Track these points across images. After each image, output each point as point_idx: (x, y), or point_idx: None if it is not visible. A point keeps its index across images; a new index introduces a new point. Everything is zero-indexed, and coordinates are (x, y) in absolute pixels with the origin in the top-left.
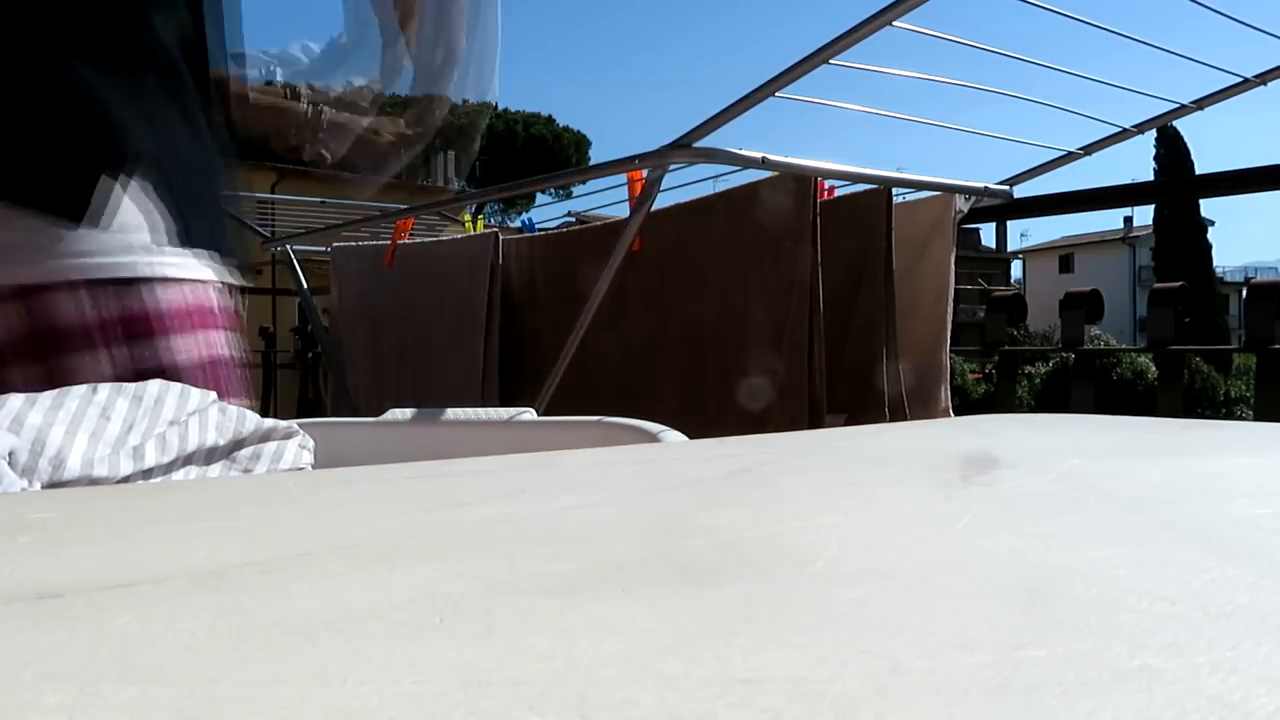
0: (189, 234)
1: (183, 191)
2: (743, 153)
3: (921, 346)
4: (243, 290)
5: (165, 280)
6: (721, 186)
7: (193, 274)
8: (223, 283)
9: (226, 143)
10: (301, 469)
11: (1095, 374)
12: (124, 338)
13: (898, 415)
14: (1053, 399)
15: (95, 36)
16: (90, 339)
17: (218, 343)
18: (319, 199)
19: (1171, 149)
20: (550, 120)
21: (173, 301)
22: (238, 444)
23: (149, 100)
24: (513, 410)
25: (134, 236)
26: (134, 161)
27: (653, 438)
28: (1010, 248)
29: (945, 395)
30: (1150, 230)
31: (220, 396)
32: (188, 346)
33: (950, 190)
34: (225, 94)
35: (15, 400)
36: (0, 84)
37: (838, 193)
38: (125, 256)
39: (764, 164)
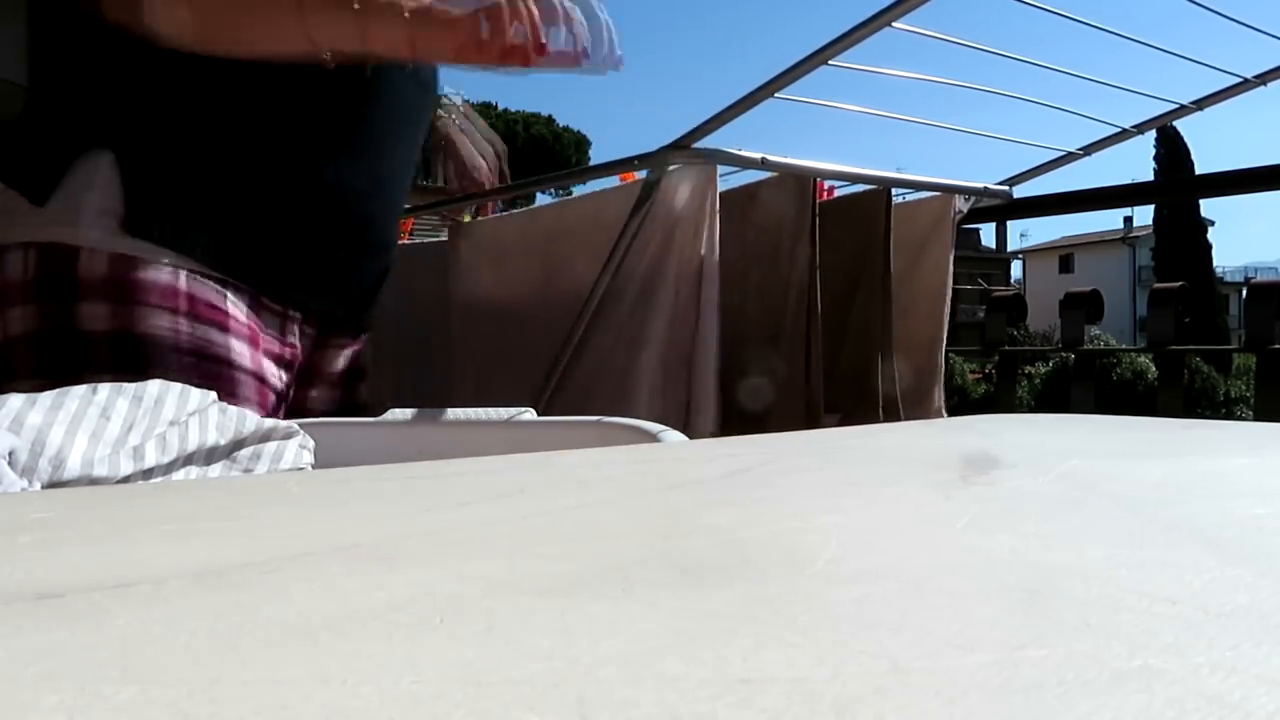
0: (146, 223)
1: (164, 188)
2: (742, 153)
3: (919, 346)
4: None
5: (94, 251)
6: (721, 187)
7: (133, 251)
8: (178, 268)
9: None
10: (301, 469)
11: (1095, 374)
12: (49, 297)
13: (892, 415)
14: (1053, 399)
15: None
16: (19, 295)
17: (153, 321)
18: None
19: (1171, 149)
20: (550, 120)
21: (97, 270)
22: (238, 444)
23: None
24: (512, 410)
25: (83, 216)
26: (97, 154)
27: (653, 438)
28: (1010, 248)
29: (939, 395)
30: (1150, 230)
31: (160, 372)
32: (102, 313)
33: (950, 191)
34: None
35: (15, 400)
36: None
37: (837, 193)
38: (70, 228)
39: (763, 164)
